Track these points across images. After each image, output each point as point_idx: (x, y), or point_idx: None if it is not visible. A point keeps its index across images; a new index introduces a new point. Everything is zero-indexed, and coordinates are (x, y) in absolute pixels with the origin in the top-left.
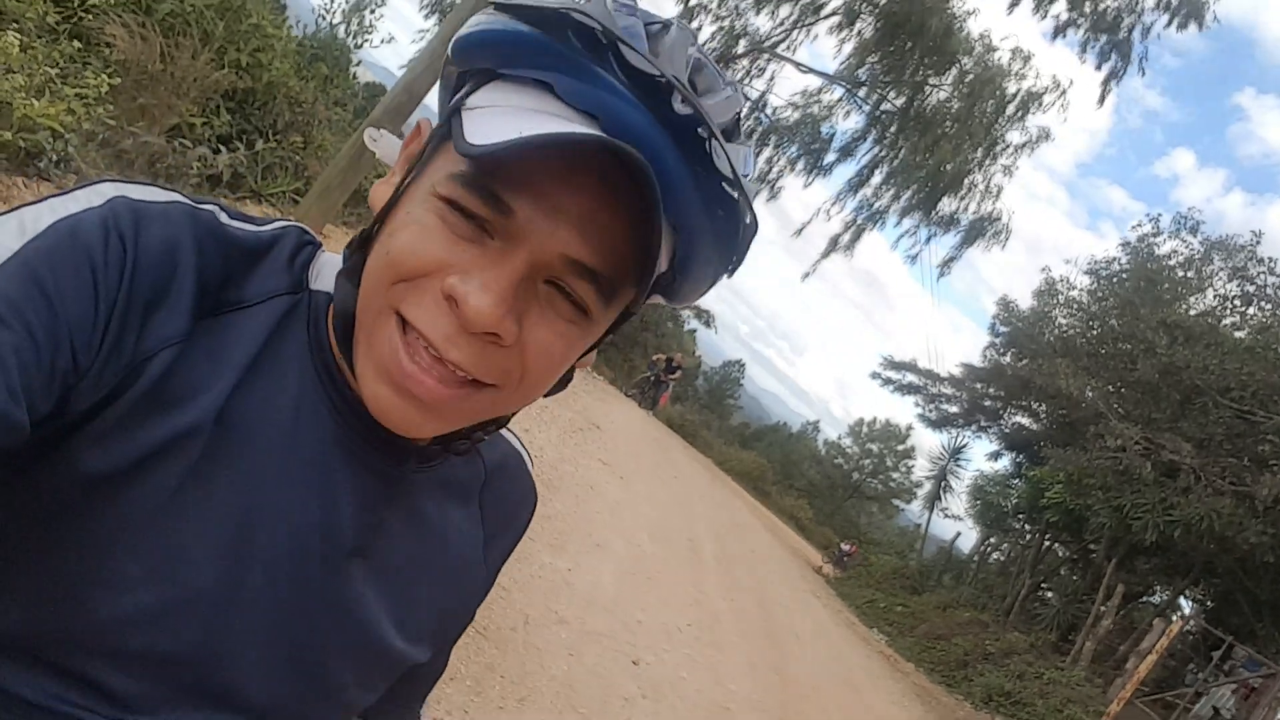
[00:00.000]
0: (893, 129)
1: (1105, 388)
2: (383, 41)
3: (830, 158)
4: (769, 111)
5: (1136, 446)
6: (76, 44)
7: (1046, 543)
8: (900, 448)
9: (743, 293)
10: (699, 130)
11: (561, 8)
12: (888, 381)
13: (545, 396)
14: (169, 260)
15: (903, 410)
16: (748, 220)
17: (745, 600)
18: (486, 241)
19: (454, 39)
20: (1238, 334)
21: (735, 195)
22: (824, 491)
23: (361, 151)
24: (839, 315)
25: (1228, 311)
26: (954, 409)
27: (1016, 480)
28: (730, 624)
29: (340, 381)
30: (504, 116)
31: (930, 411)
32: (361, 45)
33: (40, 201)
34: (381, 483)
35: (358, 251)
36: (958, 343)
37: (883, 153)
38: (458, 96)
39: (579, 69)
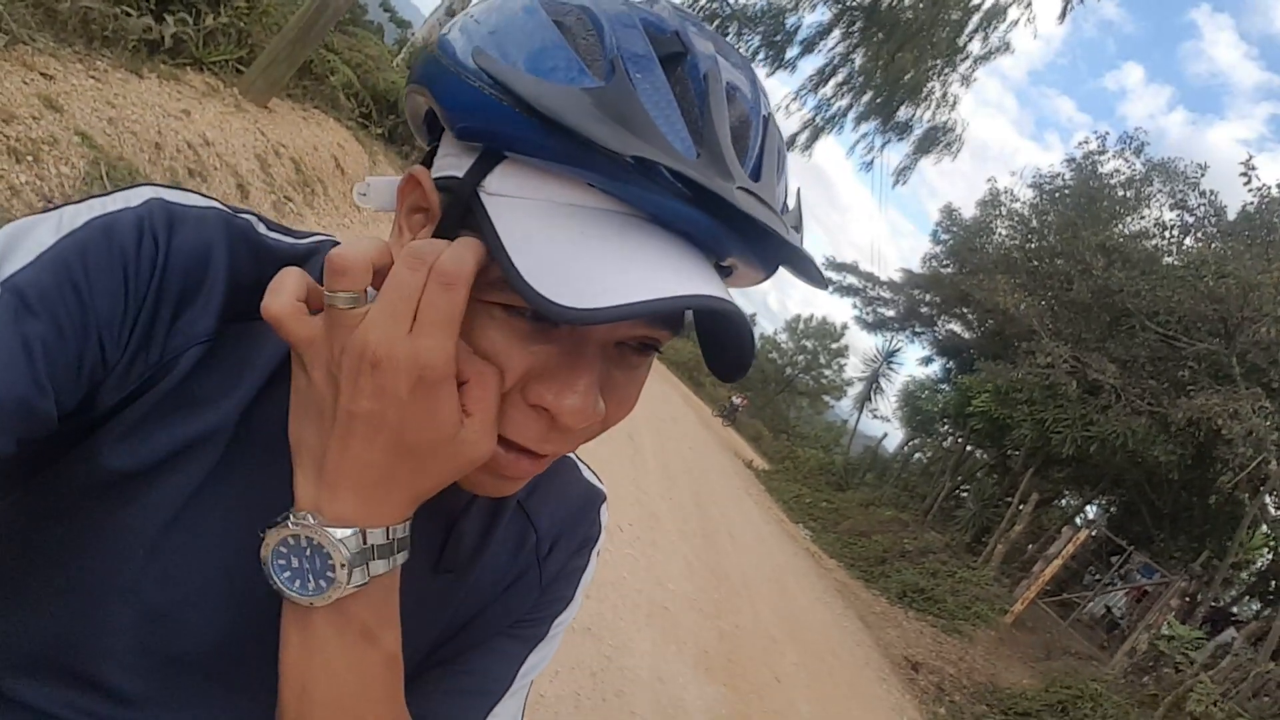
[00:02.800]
0: (857, 25)
1: (1040, 304)
2: None
3: (793, 51)
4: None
5: (1065, 364)
6: None
7: (969, 448)
8: (834, 346)
9: None
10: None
11: (595, 134)
12: (829, 282)
13: None
14: (200, 262)
15: (840, 310)
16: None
17: (683, 498)
18: (553, 333)
19: (434, 75)
20: (1167, 259)
21: (806, 260)
22: (757, 384)
23: (313, 22)
24: None
25: (1165, 239)
26: (890, 313)
27: (945, 386)
28: (669, 523)
29: None
30: (554, 235)
31: (867, 314)
32: None
33: (81, 201)
34: None
35: None
36: (899, 246)
37: (847, 52)
38: (469, 170)
39: (608, 166)
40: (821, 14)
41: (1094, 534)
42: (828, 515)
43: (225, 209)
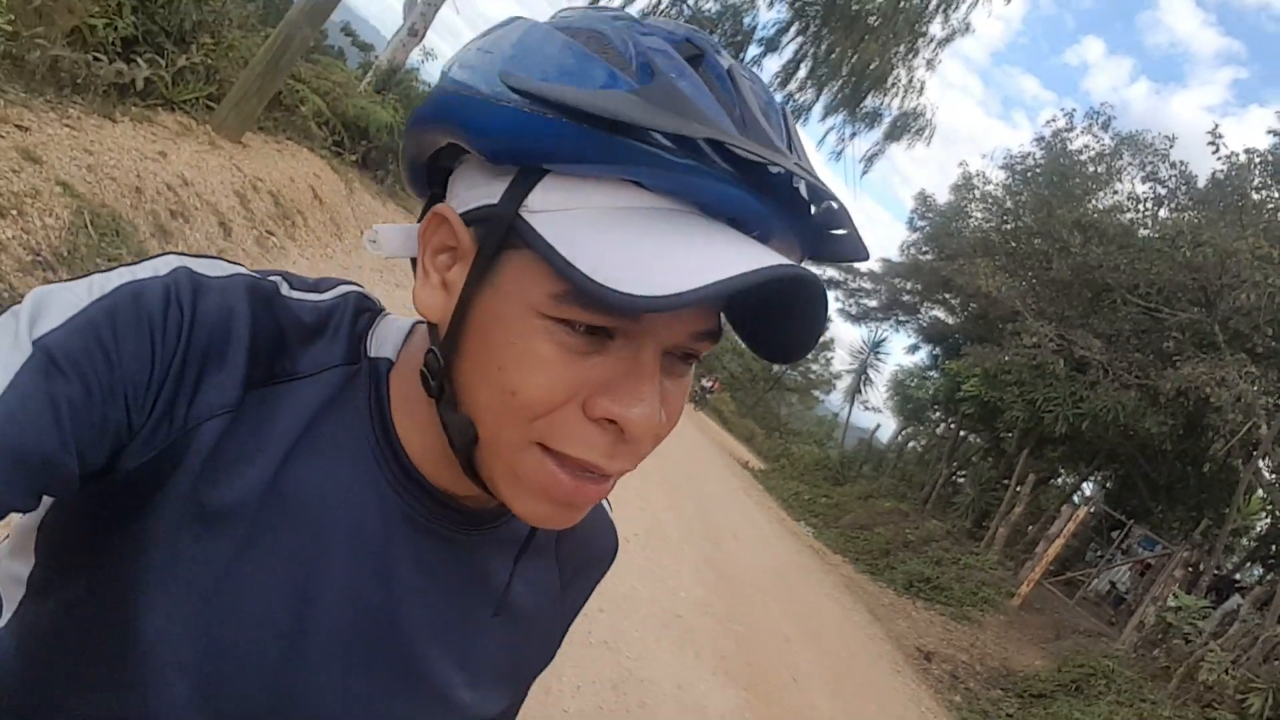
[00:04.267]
0: (816, 21)
1: (1021, 285)
2: None
3: (753, 50)
4: (689, 2)
5: (1050, 343)
6: None
7: (962, 433)
8: (819, 340)
9: None
10: (813, 201)
11: (639, 117)
12: (868, 252)
13: None
14: (224, 328)
15: None
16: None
17: (685, 504)
18: (609, 345)
19: (455, 107)
20: (1143, 232)
21: (847, 232)
22: (745, 384)
23: (280, 54)
24: None
25: (1139, 212)
26: (873, 303)
27: (933, 373)
28: (674, 530)
29: (401, 453)
30: (609, 236)
31: (850, 306)
32: None
33: (111, 269)
34: (444, 546)
35: (444, 377)
36: (876, 235)
37: (807, 47)
38: (505, 193)
39: (661, 161)
40: (779, 10)
41: (1093, 510)
42: (828, 511)
43: (251, 274)
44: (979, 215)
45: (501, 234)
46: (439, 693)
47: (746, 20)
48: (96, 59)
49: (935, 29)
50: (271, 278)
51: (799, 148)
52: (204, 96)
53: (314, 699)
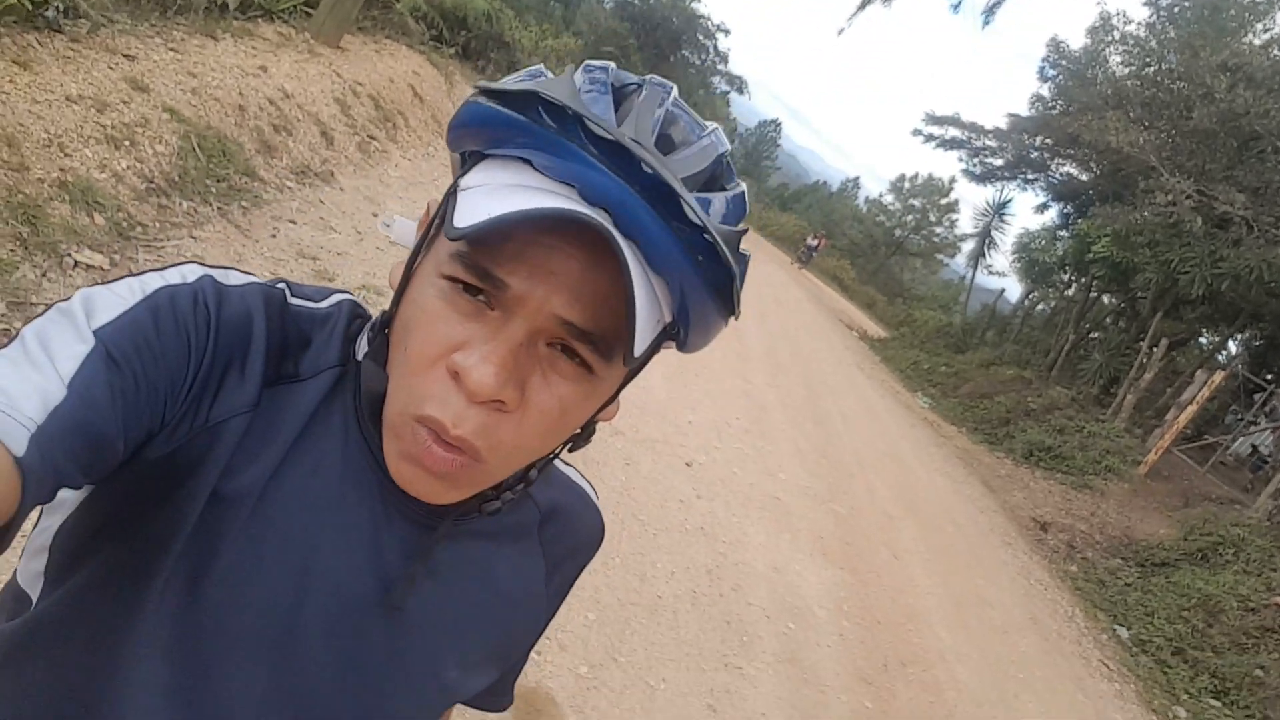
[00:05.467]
0: None
1: (1158, 138)
2: None
3: None
4: None
5: (1188, 200)
6: None
7: (1093, 295)
8: (943, 202)
9: (780, 48)
10: (668, 186)
11: (532, 89)
12: (930, 138)
13: (571, 451)
14: (245, 332)
15: (945, 165)
16: (731, 263)
17: (791, 384)
18: (487, 314)
19: (448, 128)
20: None
21: (711, 241)
22: (866, 250)
23: None
24: (879, 70)
25: None
26: (999, 162)
27: (1063, 233)
28: (777, 413)
29: (379, 446)
30: (486, 195)
31: (974, 166)
32: None
33: (144, 273)
34: (427, 534)
35: (380, 333)
36: (1004, 88)
37: None
38: (456, 179)
39: (553, 144)
40: None
41: (1237, 371)
42: (946, 380)
43: (263, 282)
44: (1116, 60)
45: (443, 210)
46: (426, 673)
47: None
48: None
49: None
50: (279, 285)
51: (688, 164)
52: (301, 4)
53: (306, 679)
